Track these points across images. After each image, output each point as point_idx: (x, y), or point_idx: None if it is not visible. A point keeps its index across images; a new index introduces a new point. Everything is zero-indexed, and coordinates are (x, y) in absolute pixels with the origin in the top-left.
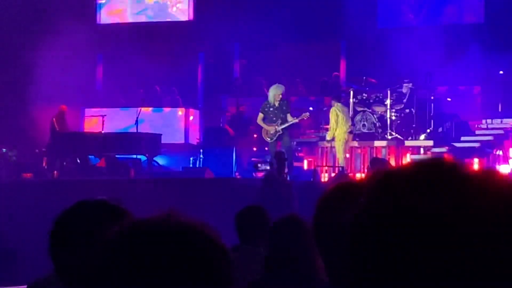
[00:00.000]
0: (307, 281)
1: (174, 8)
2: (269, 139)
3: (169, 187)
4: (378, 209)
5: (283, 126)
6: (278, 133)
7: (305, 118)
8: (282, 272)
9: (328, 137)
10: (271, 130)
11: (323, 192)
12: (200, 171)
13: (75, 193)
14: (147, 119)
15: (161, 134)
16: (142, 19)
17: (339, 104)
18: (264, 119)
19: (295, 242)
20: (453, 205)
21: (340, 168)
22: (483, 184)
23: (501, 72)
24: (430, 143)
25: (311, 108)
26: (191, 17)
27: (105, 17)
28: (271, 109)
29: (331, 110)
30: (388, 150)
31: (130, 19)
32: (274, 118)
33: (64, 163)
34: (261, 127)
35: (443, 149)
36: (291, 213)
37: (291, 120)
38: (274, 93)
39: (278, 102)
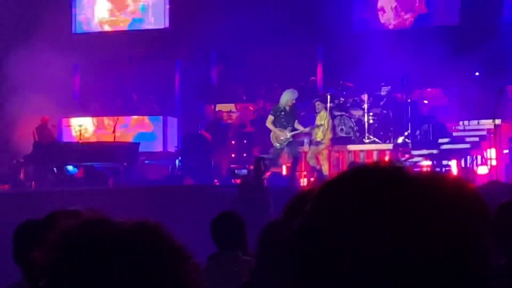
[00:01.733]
0: None
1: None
2: (278, 144)
3: (148, 196)
4: (314, 218)
5: (294, 133)
6: (288, 140)
7: (311, 130)
8: (270, 278)
9: (318, 138)
10: (281, 135)
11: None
12: (179, 178)
13: (51, 204)
14: (125, 127)
15: (139, 143)
16: (118, 27)
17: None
18: (274, 123)
19: (280, 248)
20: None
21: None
22: (424, 189)
23: (477, 73)
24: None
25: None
26: (168, 24)
27: (81, 26)
28: (282, 113)
29: (323, 111)
30: (366, 154)
31: (106, 27)
32: (285, 123)
33: (42, 174)
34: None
35: (424, 152)
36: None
37: (301, 128)
38: (288, 98)
39: (289, 107)
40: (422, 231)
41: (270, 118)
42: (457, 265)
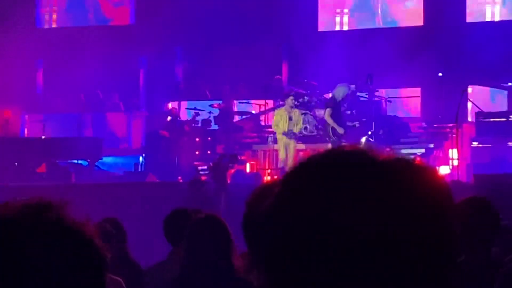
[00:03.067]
0: (225, 280)
1: None
2: (336, 138)
3: (111, 192)
4: (284, 198)
5: (348, 126)
6: (342, 135)
7: (356, 126)
8: (199, 272)
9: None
10: (340, 130)
11: (252, 191)
12: (142, 175)
13: (13, 199)
14: (89, 123)
15: (103, 138)
16: (83, 22)
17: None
18: (332, 116)
19: (212, 242)
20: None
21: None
22: (392, 170)
23: (440, 74)
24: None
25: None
26: (132, 20)
27: (45, 21)
28: (337, 107)
29: (283, 109)
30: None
31: (70, 23)
32: (340, 117)
33: (4, 169)
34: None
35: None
36: (208, 214)
37: (350, 124)
38: (342, 92)
39: (340, 102)
40: (389, 209)
41: (329, 111)
42: (429, 250)
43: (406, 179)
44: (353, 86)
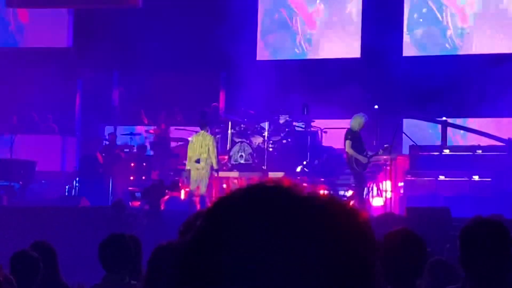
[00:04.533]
0: None
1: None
2: (361, 169)
3: (43, 216)
4: (205, 231)
5: (371, 156)
6: (367, 165)
7: (381, 152)
8: None
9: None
10: (363, 160)
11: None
12: (75, 199)
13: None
14: (22, 145)
15: (35, 161)
16: (15, 43)
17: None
18: (353, 147)
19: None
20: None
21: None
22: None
23: (376, 106)
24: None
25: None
26: (70, 43)
27: None
28: (356, 137)
29: (203, 136)
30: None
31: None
32: (361, 148)
33: None
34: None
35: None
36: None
37: (372, 153)
38: (359, 121)
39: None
40: (308, 246)
41: (349, 143)
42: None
43: (324, 216)
44: (287, 116)
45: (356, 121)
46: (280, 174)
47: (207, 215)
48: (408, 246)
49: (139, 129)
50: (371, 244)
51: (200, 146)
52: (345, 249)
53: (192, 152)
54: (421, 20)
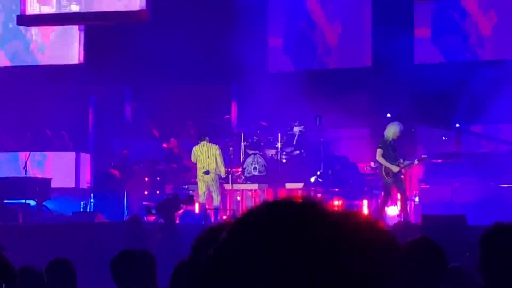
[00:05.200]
0: None
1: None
2: (390, 179)
3: (59, 233)
4: (229, 246)
5: (405, 165)
6: (398, 173)
7: (424, 160)
8: None
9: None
10: (394, 169)
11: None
12: (90, 215)
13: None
14: (37, 163)
15: (50, 179)
16: (29, 61)
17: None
18: (384, 156)
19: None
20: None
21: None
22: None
23: (388, 115)
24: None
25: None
26: (82, 60)
27: None
28: (390, 146)
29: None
30: (279, 193)
31: (17, 61)
32: (393, 156)
33: None
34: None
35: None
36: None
37: (406, 162)
38: (394, 131)
39: (394, 140)
40: (332, 265)
41: (380, 151)
42: None
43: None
44: (300, 127)
45: (390, 130)
46: (299, 185)
47: (232, 232)
48: (428, 255)
49: (150, 143)
50: (396, 254)
51: (207, 157)
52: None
53: (200, 163)
54: (443, 27)
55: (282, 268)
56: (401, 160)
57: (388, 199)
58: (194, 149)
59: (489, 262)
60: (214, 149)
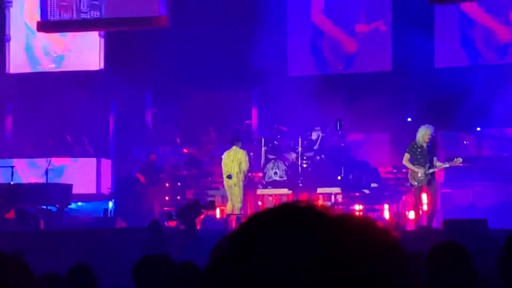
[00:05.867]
0: None
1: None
2: (416, 182)
3: (80, 238)
4: (233, 251)
5: (432, 170)
6: (427, 177)
7: (458, 164)
8: None
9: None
10: (419, 172)
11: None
12: (111, 221)
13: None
14: (58, 169)
15: (72, 184)
16: (52, 68)
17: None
18: (410, 161)
19: None
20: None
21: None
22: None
23: (409, 119)
24: (338, 190)
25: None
26: (102, 66)
27: (14, 66)
28: (419, 150)
29: (235, 151)
30: (298, 198)
31: (39, 68)
32: (422, 160)
33: None
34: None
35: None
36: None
37: (440, 164)
38: (423, 133)
39: (426, 143)
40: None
41: (406, 156)
42: None
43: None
44: (320, 132)
45: (419, 134)
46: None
47: (231, 240)
48: (455, 260)
49: (171, 149)
50: (402, 263)
51: (231, 161)
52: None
53: (224, 167)
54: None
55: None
56: (431, 163)
57: (418, 204)
58: (224, 154)
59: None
60: (241, 154)
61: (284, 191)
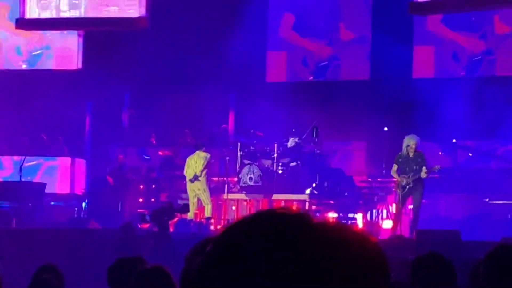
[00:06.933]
0: None
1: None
2: (399, 191)
3: (52, 237)
4: (214, 257)
5: (414, 179)
6: (408, 186)
7: (436, 170)
8: None
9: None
10: (402, 181)
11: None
12: (84, 221)
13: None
14: (32, 167)
15: (45, 184)
16: (20, 66)
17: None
18: (397, 171)
19: None
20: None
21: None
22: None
23: (385, 128)
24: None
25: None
26: (80, 65)
27: None
28: (404, 159)
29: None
30: (274, 204)
31: (15, 65)
32: (407, 169)
33: None
34: None
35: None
36: (153, 265)
37: (423, 174)
38: (407, 143)
39: (412, 153)
40: (318, 277)
41: (394, 167)
42: None
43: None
44: (296, 138)
45: (404, 143)
46: (294, 196)
47: (216, 244)
48: (439, 270)
49: (147, 151)
50: (383, 269)
51: (195, 162)
52: (357, 276)
53: (188, 172)
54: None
55: (267, 279)
56: (417, 172)
57: (400, 212)
58: (187, 159)
59: (493, 281)
60: (203, 156)
61: (258, 196)
